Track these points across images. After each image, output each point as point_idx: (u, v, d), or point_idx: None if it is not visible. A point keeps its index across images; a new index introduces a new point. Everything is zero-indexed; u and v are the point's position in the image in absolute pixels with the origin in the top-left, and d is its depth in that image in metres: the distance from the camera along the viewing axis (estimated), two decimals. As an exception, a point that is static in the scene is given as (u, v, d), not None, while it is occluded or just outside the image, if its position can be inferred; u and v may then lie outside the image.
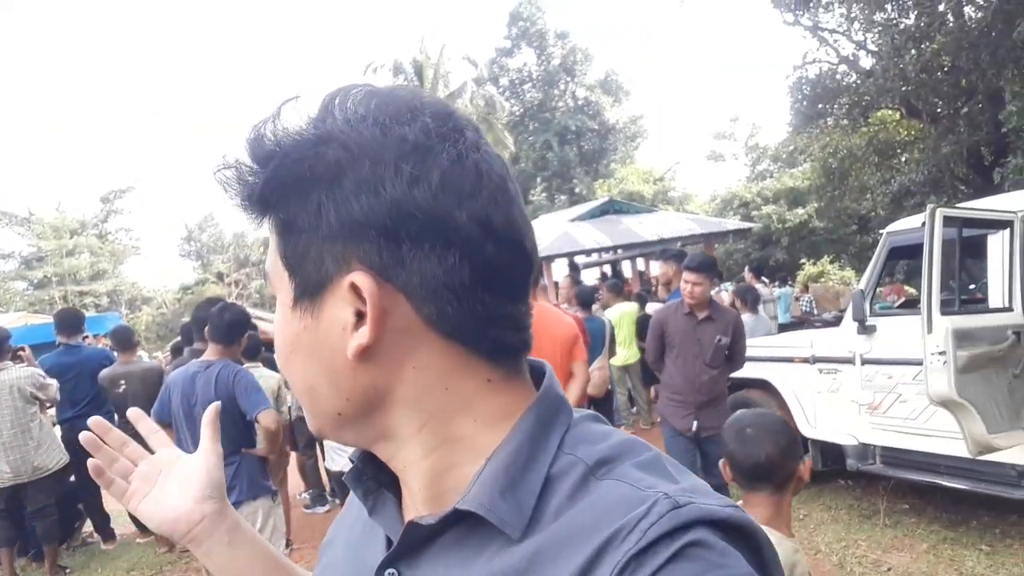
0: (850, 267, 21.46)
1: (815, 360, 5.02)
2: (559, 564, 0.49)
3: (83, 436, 0.82)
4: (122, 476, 0.82)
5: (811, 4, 14.06)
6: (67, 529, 5.90)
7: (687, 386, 4.10)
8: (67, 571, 5.23)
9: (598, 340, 5.94)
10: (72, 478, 5.93)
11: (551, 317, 3.73)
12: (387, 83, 0.51)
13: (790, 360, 5.23)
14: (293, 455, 6.15)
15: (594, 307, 7.18)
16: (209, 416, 0.85)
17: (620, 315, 7.49)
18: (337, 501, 6.02)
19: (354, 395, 0.57)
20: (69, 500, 5.88)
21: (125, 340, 5.48)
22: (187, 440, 3.50)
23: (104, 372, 5.35)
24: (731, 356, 4.15)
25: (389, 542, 0.61)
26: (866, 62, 14.43)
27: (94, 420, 0.84)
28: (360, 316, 0.54)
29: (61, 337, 5.65)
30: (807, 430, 5.00)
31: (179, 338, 6.96)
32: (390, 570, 0.59)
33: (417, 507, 0.59)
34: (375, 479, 0.64)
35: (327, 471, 5.53)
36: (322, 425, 0.61)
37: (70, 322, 5.71)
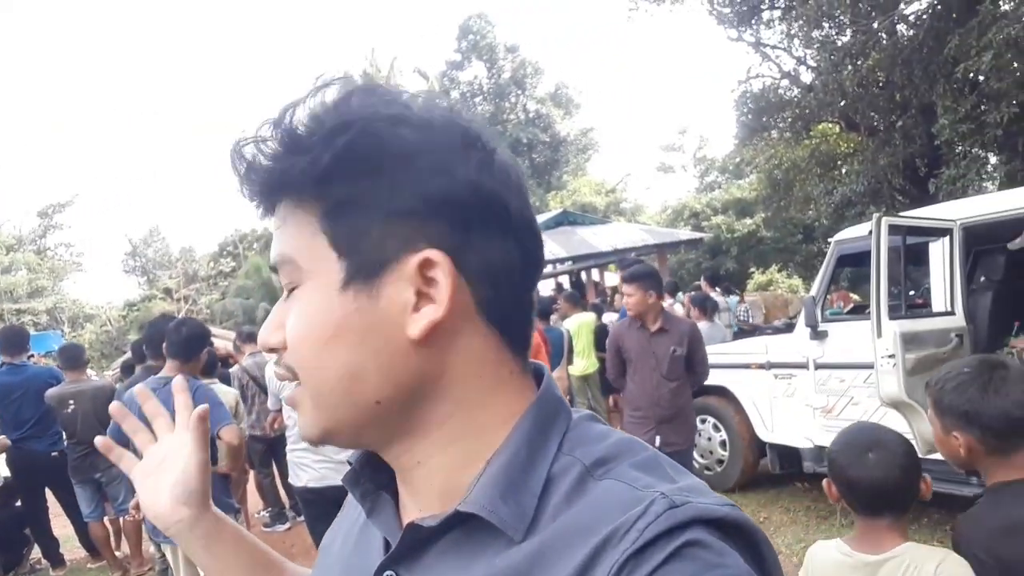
0: (797, 275, 22.08)
1: (771, 366, 5.17)
2: (558, 565, 0.50)
3: (113, 406, 0.86)
4: (141, 449, 0.85)
5: (753, 21, 14.52)
6: (15, 555, 5.66)
7: (647, 401, 4.06)
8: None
9: (556, 350, 6.02)
10: (19, 503, 5.72)
11: None
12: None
13: (747, 366, 5.37)
14: (251, 473, 6.03)
15: (552, 318, 7.25)
16: (194, 421, 0.83)
17: (578, 325, 7.55)
18: (299, 518, 5.91)
19: (403, 381, 0.56)
20: (16, 524, 5.65)
21: (75, 358, 5.30)
22: None
23: (52, 391, 5.16)
24: (691, 367, 4.10)
25: (387, 544, 0.61)
26: (807, 77, 14.94)
27: (138, 388, 0.89)
28: (419, 296, 0.54)
29: (5, 356, 5.43)
30: (764, 434, 5.14)
31: (128, 356, 6.77)
32: (388, 572, 0.58)
33: (420, 508, 0.59)
34: (372, 481, 0.64)
35: (287, 488, 5.44)
36: (340, 422, 0.57)
37: (15, 340, 5.50)
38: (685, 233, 17.16)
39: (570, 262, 15.32)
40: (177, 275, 33.74)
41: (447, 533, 0.56)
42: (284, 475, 5.30)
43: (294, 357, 0.57)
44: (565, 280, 18.15)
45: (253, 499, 6.11)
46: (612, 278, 15.14)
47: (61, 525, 5.75)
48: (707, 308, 6.81)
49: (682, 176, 48.16)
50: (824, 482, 1.66)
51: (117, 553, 5.51)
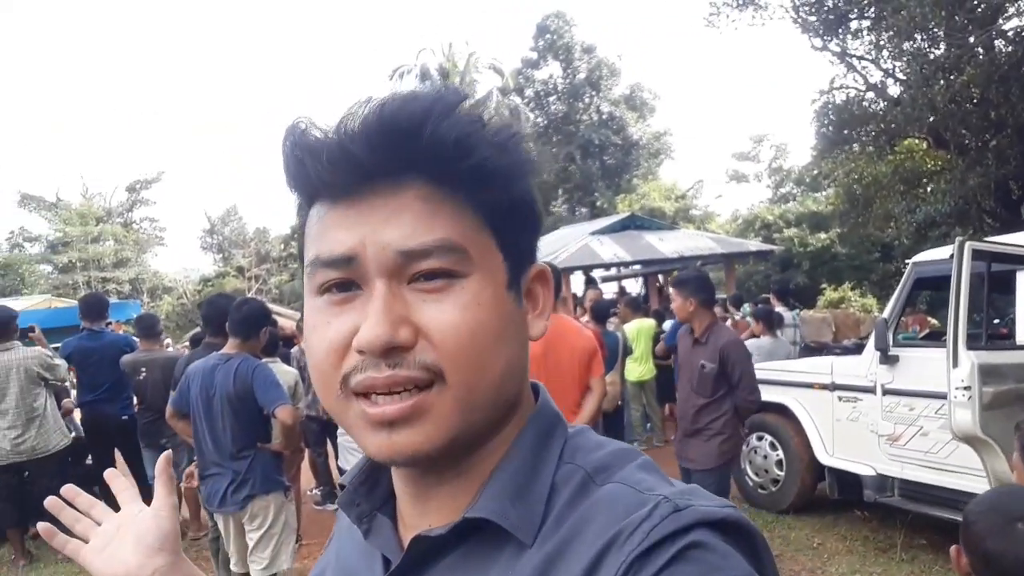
0: (871, 294, 21.25)
1: (835, 387, 4.98)
2: (567, 568, 0.51)
3: (49, 501, 0.80)
4: (83, 536, 0.80)
5: (839, 30, 14.02)
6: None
7: (680, 410, 4.04)
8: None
9: (611, 354, 5.94)
10: (89, 461, 6.02)
11: (571, 330, 3.67)
12: (413, 88, 0.52)
13: (810, 386, 5.19)
14: (306, 452, 6.18)
15: (611, 322, 7.18)
16: (161, 466, 0.81)
17: (637, 330, 7.46)
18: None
19: (524, 378, 0.61)
20: (86, 482, 5.93)
21: (149, 328, 5.54)
22: (203, 430, 3.54)
23: (127, 358, 5.41)
24: (734, 385, 3.72)
25: (386, 564, 0.61)
26: (894, 90, 14.34)
27: (66, 488, 0.82)
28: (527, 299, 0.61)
29: (85, 322, 5.72)
30: (824, 457, 4.96)
31: (199, 329, 7.02)
32: None
33: (431, 523, 0.59)
34: (368, 502, 0.64)
35: (339, 469, 5.55)
36: (476, 425, 0.56)
37: (95, 307, 5.79)
38: (755, 244, 16.72)
39: (633, 266, 15.16)
40: (250, 254, 34.89)
41: (455, 546, 0.56)
42: (338, 455, 5.42)
43: (451, 354, 0.53)
44: (630, 284, 18.01)
45: (306, 477, 6.25)
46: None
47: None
48: (772, 322, 6.58)
49: (755, 186, 47.00)
50: (952, 550, 1.45)
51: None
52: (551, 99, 36.85)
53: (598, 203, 32.69)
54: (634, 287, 17.25)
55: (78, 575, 4.78)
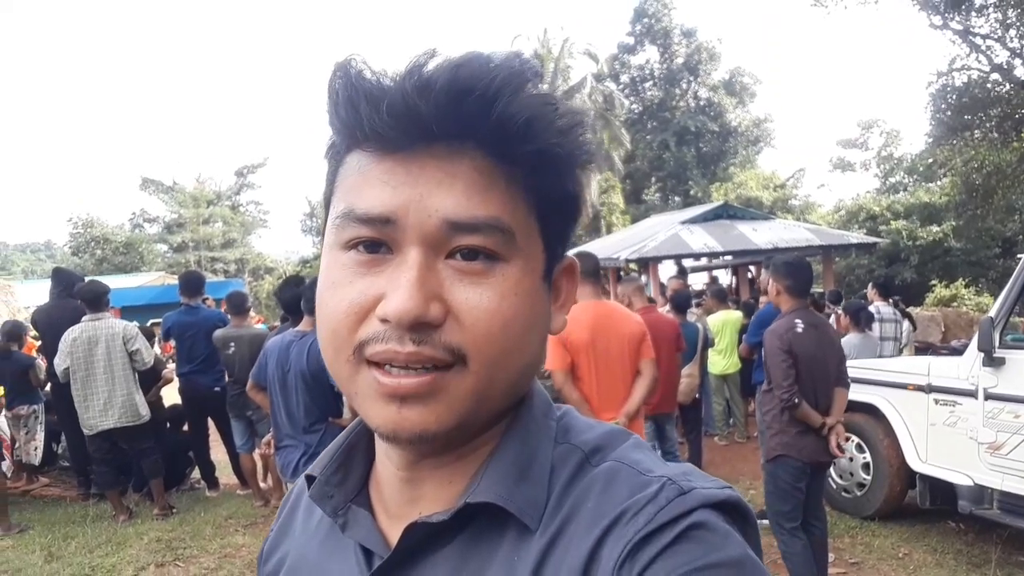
0: (988, 292, 19.76)
1: (931, 389, 4.64)
2: (571, 549, 0.50)
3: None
4: None
5: (963, 7, 13.01)
6: (178, 475, 6.35)
7: None
8: (174, 511, 5.61)
9: (690, 346, 5.76)
10: (185, 427, 6.41)
11: (618, 316, 3.70)
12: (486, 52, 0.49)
13: (903, 386, 4.86)
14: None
15: (693, 312, 6.98)
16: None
17: (723, 322, 7.24)
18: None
19: (538, 370, 0.60)
20: (183, 448, 6.34)
21: (238, 305, 5.80)
22: (279, 404, 3.69)
23: (217, 333, 5.70)
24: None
25: (367, 557, 0.58)
26: (1021, 72, 13.22)
27: None
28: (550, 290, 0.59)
29: (184, 297, 6.07)
30: (916, 464, 4.64)
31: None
32: None
33: (420, 511, 0.56)
34: (341, 493, 0.61)
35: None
36: (489, 411, 0.54)
37: (192, 284, 6.13)
38: (856, 236, 15.78)
39: (727, 257, 14.68)
40: (347, 238, 36.15)
41: (454, 533, 0.54)
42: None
43: (480, 338, 0.50)
44: (722, 274, 17.44)
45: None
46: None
47: (218, 452, 6.38)
48: (860, 319, 6.19)
49: (861, 176, 44.56)
50: None
51: (263, 484, 6.02)
52: (647, 85, 36.13)
53: (692, 192, 31.88)
54: (725, 279, 16.73)
55: (171, 532, 5.10)
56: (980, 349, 4.24)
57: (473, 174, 0.50)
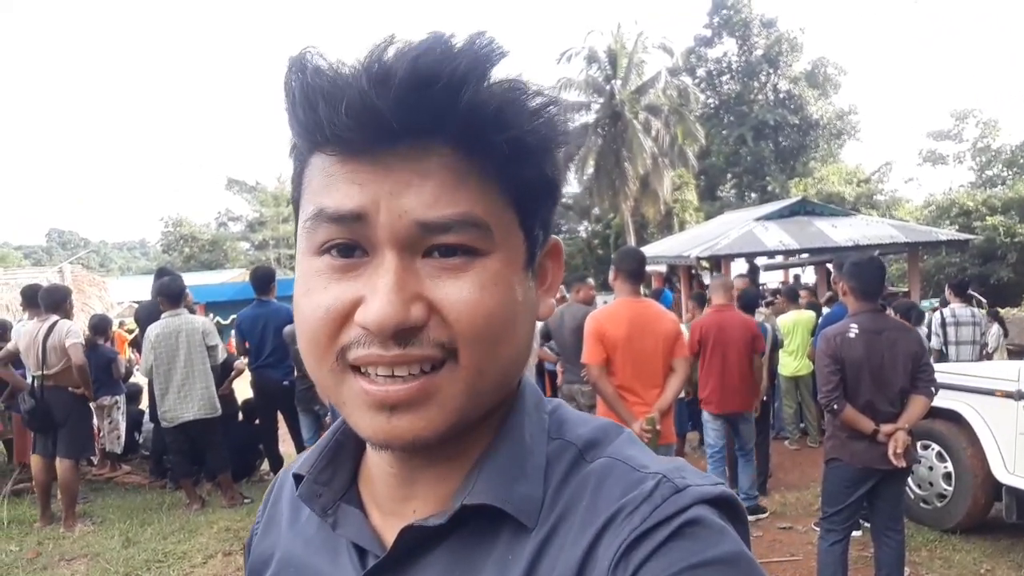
0: (1094, 294, 18.35)
1: (1021, 396, 4.33)
2: (566, 547, 0.50)
3: None
4: None
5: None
6: (248, 465, 6.58)
7: None
8: (246, 500, 5.83)
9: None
10: (257, 421, 6.63)
11: (654, 315, 3.83)
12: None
13: (991, 392, 4.55)
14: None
15: (761, 312, 6.74)
16: None
17: (794, 323, 6.99)
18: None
19: (528, 359, 0.58)
20: (253, 439, 6.56)
21: (305, 301, 5.94)
22: None
23: (287, 328, 5.85)
24: None
25: (361, 556, 0.57)
26: None
27: None
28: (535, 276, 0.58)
29: (257, 293, 6.27)
30: (1002, 475, 4.34)
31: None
32: None
33: (415, 511, 0.56)
34: (330, 492, 0.60)
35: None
36: (480, 408, 0.53)
37: (263, 280, 6.31)
38: (946, 233, 14.87)
39: (804, 255, 14.12)
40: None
41: (448, 533, 0.53)
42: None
43: (467, 332, 0.49)
44: (805, 273, 16.77)
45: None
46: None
47: (286, 445, 6.57)
48: (911, 317, 5.87)
49: (955, 169, 42.16)
50: None
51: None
52: (724, 78, 35.27)
53: (769, 188, 30.90)
54: (811, 277, 16.11)
55: (240, 521, 5.29)
56: (1075, 354, 3.92)
57: (443, 172, 0.48)
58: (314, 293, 0.50)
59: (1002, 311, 12.31)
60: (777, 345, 6.21)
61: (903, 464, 3.33)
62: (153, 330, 5.48)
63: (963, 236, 14.92)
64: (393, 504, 0.58)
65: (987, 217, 19.74)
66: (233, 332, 6.45)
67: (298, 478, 0.61)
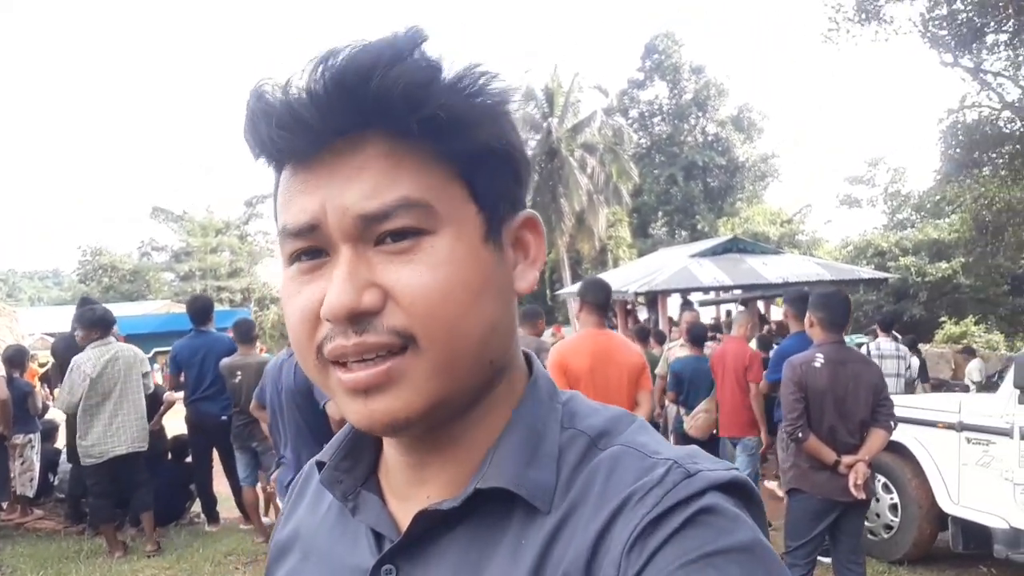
0: (998, 330, 19.55)
1: (963, 427, 4.48)
2: (577, 533, 0.51)
3: None
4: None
5: (973, 45, 13.04)
6: (178, 508, 6.16)
7: None
8: (159, 548, 5.39)
9: (706, 380, 5.62)
10: (188, 459, 6.23)
11: (618, 347, 3.79)
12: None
13: (932, 424, 4.70)
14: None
15: (708, 346, 6.83)
16: None
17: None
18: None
19: (511, 337, 0.57)
20: (183, 481, 6.16)
21: (245, 333, 5.68)
22: (280, 423, 3.74)
23: (225, 361, 5.57)
24: None
25: (378, 540, 0.58)
26: (1034, 109, 13.21)
27: None
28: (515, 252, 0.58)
29: (195, 323, 5.95)
30: (947, 505, 4.46)
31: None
32: (387, 567, 0.56)
33: (428, 496, 0.57)
34: (351, 478, 0.62)
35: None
36: (457, 390, 0.53)
37: (201, 311, 6.00)
38: (867, 271, 15.64)
39: (736, 291, 14.55)
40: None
41: (462, 517, 0.54)
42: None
43: (423, 316, 0.50)
44: (734, 309, 17.26)
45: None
46: (779, 312, 14.16)
47: (220, 485, 6.19)
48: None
49: (868, 212, 44.60)
50: None
51: (265, 519, 5.83)
52: (655, 120, 36.45)
53: (699, 226, 31.92)
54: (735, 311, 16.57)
55: (168, 569, 4.92)
56: (1016, 386, 4.10)
57: (377, 161, 0.50)
58: (292, 298, 0.53)
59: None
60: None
61: (863, 496, 3.37)
62: (87, 360, 5.08)
63: (882, 275, 15.74)
64: (408, 490, 0.59)
65: (900, 257, 20.90)
66: (167, 363, 6.10)
67: (320, 465, 0.63)
